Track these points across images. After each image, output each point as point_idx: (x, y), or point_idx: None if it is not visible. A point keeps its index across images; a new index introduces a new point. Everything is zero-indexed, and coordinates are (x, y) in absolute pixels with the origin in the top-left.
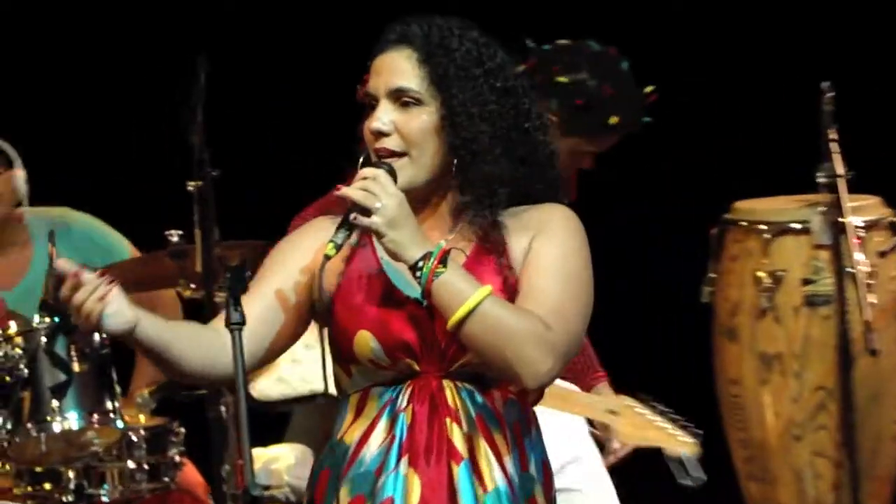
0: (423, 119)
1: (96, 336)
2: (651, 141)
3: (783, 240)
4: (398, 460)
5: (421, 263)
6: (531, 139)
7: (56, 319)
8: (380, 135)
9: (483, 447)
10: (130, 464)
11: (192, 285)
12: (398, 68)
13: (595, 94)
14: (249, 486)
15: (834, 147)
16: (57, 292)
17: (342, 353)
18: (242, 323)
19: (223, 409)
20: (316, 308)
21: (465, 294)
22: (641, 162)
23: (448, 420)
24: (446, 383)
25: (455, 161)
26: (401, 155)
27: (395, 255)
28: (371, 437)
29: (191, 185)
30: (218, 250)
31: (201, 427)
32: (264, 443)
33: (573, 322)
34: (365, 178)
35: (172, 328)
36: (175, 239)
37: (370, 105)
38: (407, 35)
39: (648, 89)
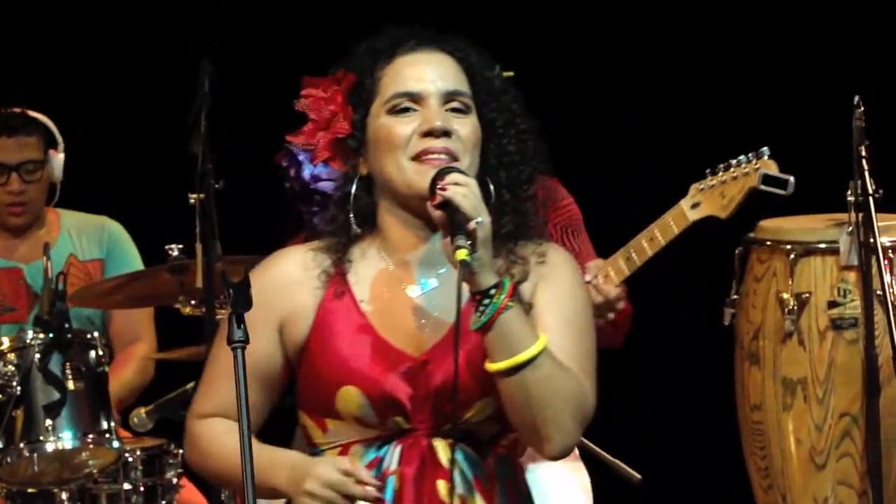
0: (476, 126)
1: (92, 353)
2: (675, 156)
3: (809, 260)
4: None
5: (493, 291)
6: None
7: (51, 335)
8: (442, 134)
9: None
10: (126, 486)
11: (193, 302)
12: (448, 72)
13: None
14: None
15: (864, 164)
16: (52, 308)
17: (317, 406)
18: (245, 341)
19: None
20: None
21: (526, 338)
22: (666, 179)
23: (442, 482)
24: (437, 442)
25: (490, 184)
26: (455, 160)
27: (471, 276)
28: (356, 501)
29: (192, 198)
30: (220, 265)
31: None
32: None
33: (594, 381)
34: (459, 185)
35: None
36: (175, 253)
37: (398, 107)
38: (441, 41)
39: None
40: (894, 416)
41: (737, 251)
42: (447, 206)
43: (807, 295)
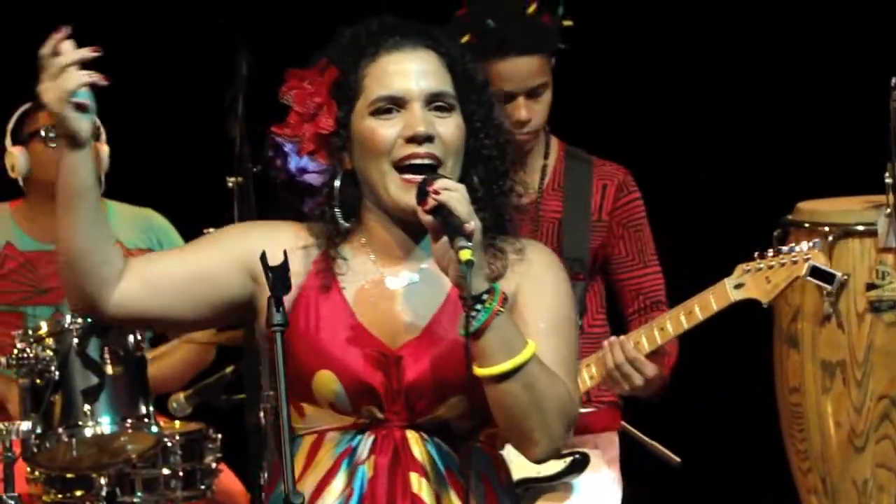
0: (459, 125)
1: (130, 338)
2: (714, 139)
3: (847, 242)
4: None
5: (486, 297)
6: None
7: (89, 320)
8: (425, 140)
9: (453, 501)
10: (165, 471)
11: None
12: (431, 70)
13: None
14: (290, 495)
15: None
16: None
17: (296, 388)
18: (284, 325)
19: (262, 414)
20: (257, 315)
21: (515, 346)
22: (706, 161)
23: (415, 475)
24: (411, 434)
25: (474, 178)
26: (439, 163)
27: (461, 282)
28: (327, 489)
29: (231, 181)
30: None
31: (239, 433)
32: None
33: (577, 384)
34: (449, 190)
35: (94, 202)
36: None
37: (382, 109)
38: (424, 36)
39: (566, 22)
40: None
41: (775, 233)
42: (440, 211)
43: (845, 277)
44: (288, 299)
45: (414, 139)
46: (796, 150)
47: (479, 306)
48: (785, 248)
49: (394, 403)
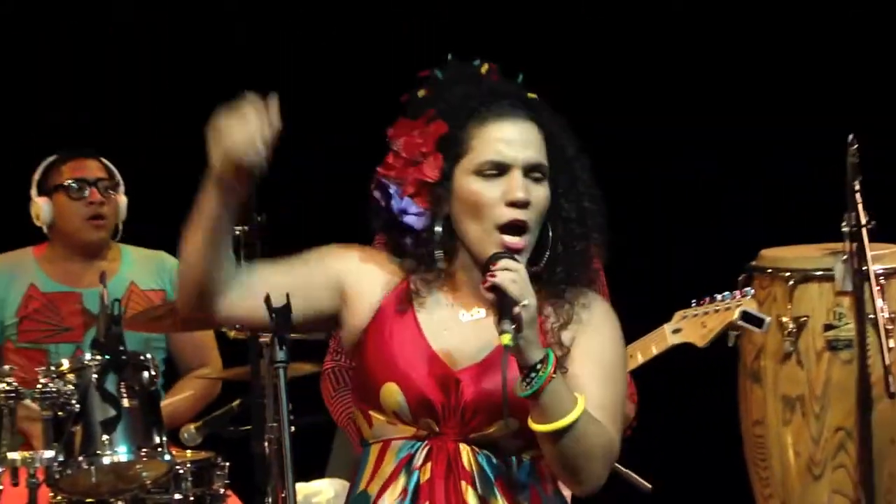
0: (547, 193)
1: (145, 373)
2: (685, 190)
3: (807, 286)
4: None
5: (539, 366)
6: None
7: (107, 357)
8: (523, 206)
9: None
10: (177, 496)
11: (238, 326)
12: (532, 141)
13: None
14: None
15: (857, 197)
16: (108, 331)
17: (366, 395)
18: (286, 362)
19: (266, 444)
20: (341, 328)
21: (567, 405)
22: (675, 211)
23: (464, 483)
24: (463, 447)
25: (550, 233)
26: (528, 230)
27: (518, 351)
28: (387, 491)
29: (237, 230)
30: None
31: (246, 461)
32: (306, 477)
33: (620, 427)
34: (509, 270)
35: (230, 226)
36: None
37: (487, 171)
38: (528, 106)
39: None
40: (885, 430)
41: (739, 278)
42: (496, 289)
43: (805, 318)
44: (367, 315)
45: (515, 204)
46: (760, 203)
47: (533, 374)
48: (719, 297)
49: (450, 419)
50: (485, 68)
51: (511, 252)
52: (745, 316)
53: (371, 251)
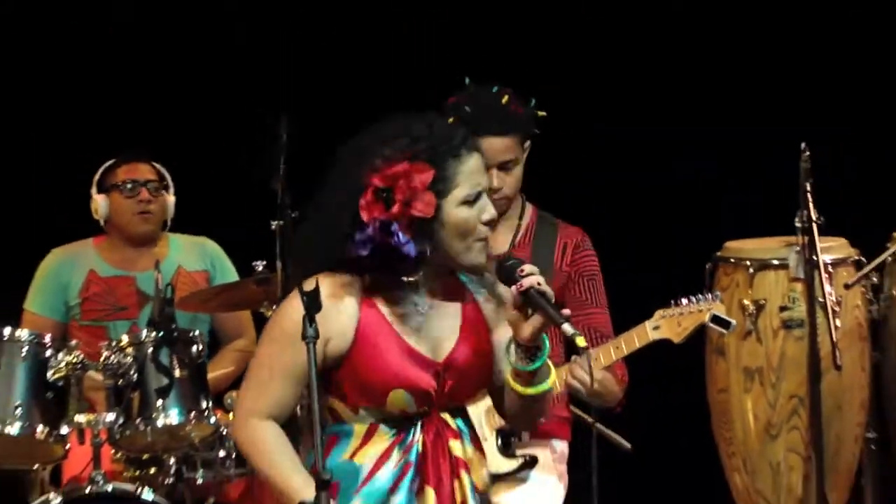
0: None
1: (194, 348)
2: (661, 191)
3: (765, 274)
4: (413, 479)
5: (544, 347)
6: None
7: (161, 334)
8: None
9: (476, 456)
10: (221, 453)
11: (274, 307)
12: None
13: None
14: (319, 472)
15: (809, 197)
16: (162, 311)
17: (366, 397)
18: (316, 337)
19: (298, 408)
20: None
21: (548, 372)
22: (653, 209)
23: (453, 440)
24: (445, 415)
25: None
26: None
27: (536, 335)
28: (386, 461)
29: (274, 224)
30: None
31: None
32: None
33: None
34: (535, 274)
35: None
36: (260, 268)
37: (470, 199)
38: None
39: (541, 113)
40: (832, 398)
41: (707, 266)
42: (530, 292)
43: (763, 301)
44: (347, 337)
45: (489, 224)
46: (725, 201)
47: (539, 353)
48: (693, 299)
49: (441, 400)
50: (505, 99)
51: (513, 256)
52: (715, 319)
53: (325, 302)
